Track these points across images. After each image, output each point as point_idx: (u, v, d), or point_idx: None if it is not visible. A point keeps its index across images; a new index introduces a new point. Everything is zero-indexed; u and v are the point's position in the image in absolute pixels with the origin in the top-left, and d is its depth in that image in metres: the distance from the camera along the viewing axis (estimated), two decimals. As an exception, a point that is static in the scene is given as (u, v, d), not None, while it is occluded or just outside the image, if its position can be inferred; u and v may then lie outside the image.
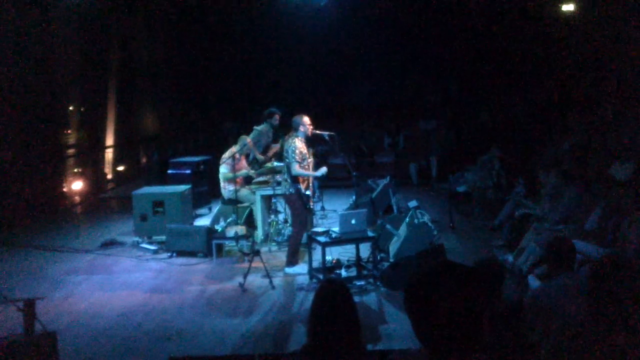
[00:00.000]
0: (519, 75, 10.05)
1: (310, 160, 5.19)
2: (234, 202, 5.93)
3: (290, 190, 4.99)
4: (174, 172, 7.82)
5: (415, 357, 1.39)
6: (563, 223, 5.00)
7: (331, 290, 1.90)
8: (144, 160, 11.01)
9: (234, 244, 5.81)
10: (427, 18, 10.95)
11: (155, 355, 3.68)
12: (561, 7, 8.31)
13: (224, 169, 6.11)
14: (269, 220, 6.15)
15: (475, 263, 2.70)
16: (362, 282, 4.77)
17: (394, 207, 6.52)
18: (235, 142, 6.33)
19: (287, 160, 5.00)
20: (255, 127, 6.58)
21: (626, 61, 7.17)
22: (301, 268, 5.15)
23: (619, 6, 7.16)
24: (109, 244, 6.31)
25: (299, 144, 5.03)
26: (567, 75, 8.68)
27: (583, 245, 4.33)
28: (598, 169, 6.07)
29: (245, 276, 4.89)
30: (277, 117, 6.45)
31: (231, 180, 6.06)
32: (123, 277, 5.32)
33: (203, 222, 7.00)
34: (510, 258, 5.01)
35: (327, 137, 6.57)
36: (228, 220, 5.99)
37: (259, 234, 6.06)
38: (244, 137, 6.31)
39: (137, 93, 10.81)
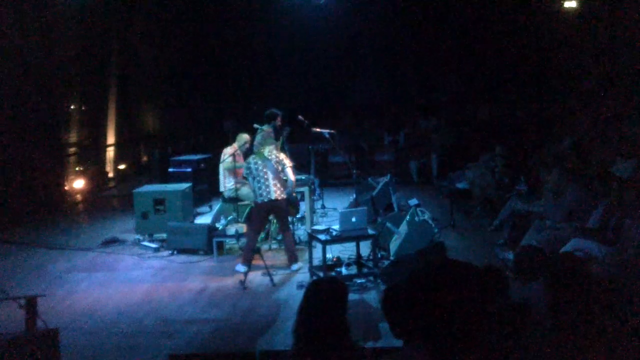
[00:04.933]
0: (521, 72, 10.02)
1: None
2: (235, 200, 5.93)
3: (283, 195, 5.12)
4: (175, 170, 7.82)
5: (409, 356, 1.38)
6: (565, 221, 4.98)
7: (316, 290, 1.89)
8: (144, 158, 11.01)
9: (235, 241, 5.82)
10: (428, 16, 10.92)
11: (156, 352, 3.69)
12: (563, 3, 8.27)
13: (227, 159, 6.07)
14: (270, 218, 6.14)
15: (483, 267, 2.68)
16: (363, 280, 4.77)
17: (395, 205, 6.51)
18: (235, 140, 6.32)
19: (282, 166, 5.15)
20: (257, 126, 6.58)
21: (629, 57, 7.14)
22: (303, 263, 5.23)
23: (621, 2, 7.12)
24: (110, 242, 6.31)
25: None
26: (569, 72, 8.65)
27: (585, 244, 4.31)
28: (600, 167, 6.05)
29: (245, 274, 4.90)
30: (278, 118, 6.44)
31: (232, 173, 6.03)
32: (124, 274, 5.33)
33: (204, 220, 7.00)
34: (510, 256, 4.99)
35: (327, 135, 6.56)
36: (229, 218, 5.99)
37: (260, 232, 6.05)
38: (244, 135, 6.29)
39: (137, 91, 10.81)
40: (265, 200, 5.11)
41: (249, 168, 5.20)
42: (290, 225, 5.91)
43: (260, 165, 5.12)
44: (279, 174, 5.12)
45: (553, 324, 1.80)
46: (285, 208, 5.19)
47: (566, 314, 1.79)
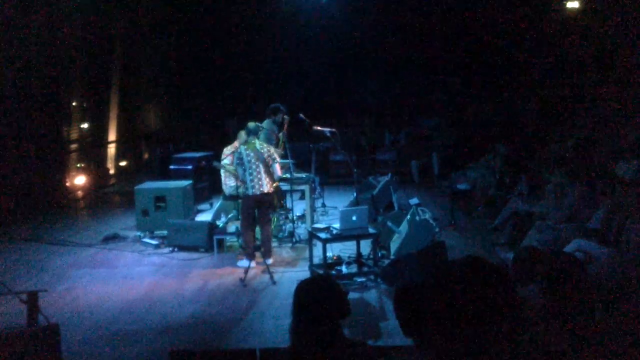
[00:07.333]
0: (523, 72, 10.00)
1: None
2: (235, 197, 5.93)
3: (272, 189, 5.23)
4: (176, 167, 7.83)
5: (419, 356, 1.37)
6: (566, 222, 4.98)
7: (302, 290, 1.89)
8: (146, 155, 11.03)
9: (235, 239, 5.82)
10: (430, 15, 10.91)
11: (156, 348, 3.69)
12: (566, 4, 8.25)
13: (226, 161, 6.08)
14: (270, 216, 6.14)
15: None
16: (363, 279, 4.77)
17: (395, 205, 6.50)
18: (236, 139, 6.32)
19: (272, 160, 5.18)
20: (259, 125, 6.56)
21: (631, 58, 7.12)
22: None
23: (623, 2, 7.10)
24: (111, 238, 6.33)
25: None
26: (571, 72, 8.63)
27: (586, 244, 4.30)
28: (602, 168, 6.03)
29: (246, 271, 4.91)
30: (279, 114, 6.42)
31: (233, 174, 6.04)
32: (125, 271, 5.34)
33: (204, 217, 7.00)
34: (511, 257, 4.98)
35: (328, 134, 6.54)
36: (229, 216, 6.00)
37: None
38: (244, 132, 6.27)
39: (139, 89, 10.82)
40: (257, 193, 5.13)
41: (240, 158, 5.17)
42: (293, 223, 5.91)
43: (253, 158, 5.13)
44: (268, 168, 5.17)
45: (546, 326, 1.79)
46: (272, 201, 5.26)
47: (562, 316, 1.78)
